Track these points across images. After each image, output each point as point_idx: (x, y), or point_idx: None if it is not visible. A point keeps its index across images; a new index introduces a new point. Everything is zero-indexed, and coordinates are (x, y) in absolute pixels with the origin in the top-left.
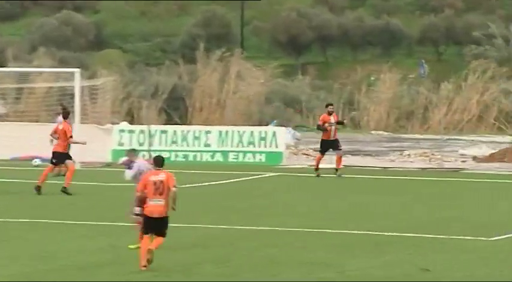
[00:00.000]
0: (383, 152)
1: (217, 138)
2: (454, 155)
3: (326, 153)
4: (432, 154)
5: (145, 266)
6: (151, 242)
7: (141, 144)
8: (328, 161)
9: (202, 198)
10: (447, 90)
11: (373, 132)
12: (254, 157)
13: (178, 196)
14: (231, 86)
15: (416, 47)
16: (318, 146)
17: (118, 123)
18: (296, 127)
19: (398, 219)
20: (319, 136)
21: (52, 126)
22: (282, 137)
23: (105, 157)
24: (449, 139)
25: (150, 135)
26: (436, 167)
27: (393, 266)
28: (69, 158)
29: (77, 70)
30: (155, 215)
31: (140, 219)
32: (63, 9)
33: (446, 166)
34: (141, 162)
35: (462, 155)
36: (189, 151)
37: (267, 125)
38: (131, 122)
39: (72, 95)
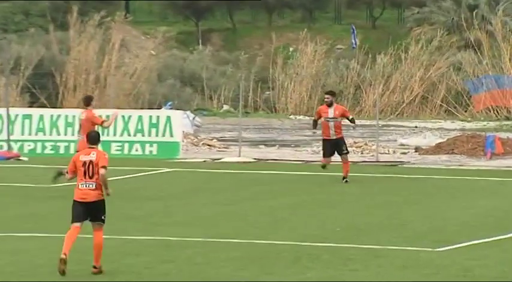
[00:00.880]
0: (304, 142)
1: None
2: (392, 146)
3: (332, 156)
4: (365, 144)
5: (97, 269)
6: (77, 233)
7: None
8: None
9: None
10: (384, 65)
11: (291, 117)
12: (143, 149)
13: (107, 179)
14: (113, 59)
15: (345, 10)
16: (223, 134)
17: None
18: (196, 111)
19: (325, 226)
20: (225, 121)
21: None
22: (178, 123)
23: None
24: (386, 125)
25: (10, 121)
26: (369, 160)
27: None
28: None
29: None
30: (86, 200)
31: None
32: None
33: (382, 159)
34: None
35: (402, 145)
36: (60, 141)
37: (159, 108)
38: None
39: None
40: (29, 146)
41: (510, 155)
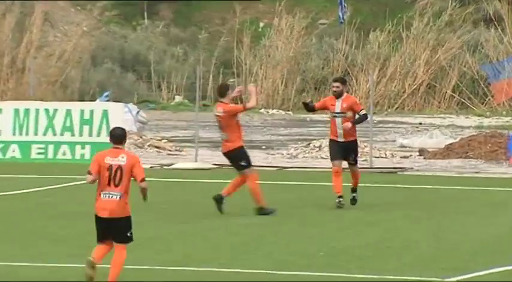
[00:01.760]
0: (278, 143)
1: (11, 122)
2: (390, 148)
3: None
4: None
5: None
6: (102, 254)
7: None
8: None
9: None
10: (379, 45)
11: (263, 111)
12: (73, 152)
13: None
14: (34, 37)
15: None
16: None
17: None
18: (141, 103)
19: (307, 250)
20: (178, 117)
21: None
22: (117, 119)
23: None
24: (382, 122)
25: None
26: (361, 166)
27: None
28: None
29: None
30: (108, 216)
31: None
32: None
33: (378, 165)
34: None
35: (403, 147)
36: None
37: (93, 100)
38: None
39: None
40: None
41: None
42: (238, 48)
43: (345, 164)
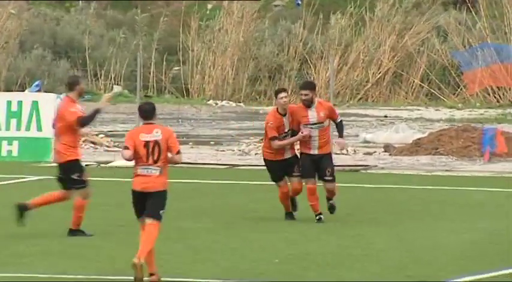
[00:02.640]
0: (229, 139)
1: None
2: (352, 143)
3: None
4: None
5: (139, 261)
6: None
7: None
8: None
9: None
10: (340, 29)
11: (211, 102)
12: None
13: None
14: None
15: None
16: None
17: None
18: None
19: (260, 257)
20: (117, 109)
21: None
22: (49, 111)
23: None
24: (343, 115)
25: None
26: None
27: None
28: None
29: None
30: (147, 190)
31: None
32: None
33: (339, 162)
34: None
35: (366, 142)
36: None
37: (22, 90)
38: None
39: None
40: None
41: None
42: (184, 33)
43: None
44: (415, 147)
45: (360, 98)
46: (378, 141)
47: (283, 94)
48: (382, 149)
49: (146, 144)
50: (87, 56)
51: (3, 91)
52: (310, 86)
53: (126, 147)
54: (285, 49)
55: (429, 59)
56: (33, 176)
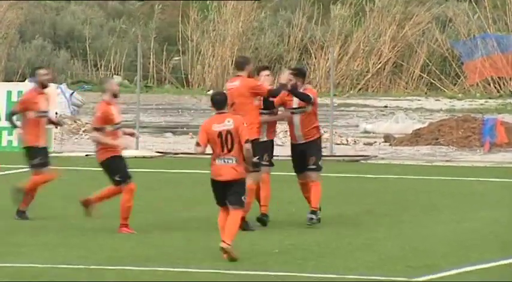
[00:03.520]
0: None
1: None
2: (352, 133)
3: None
4: None
5: (228, 245)
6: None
7: None
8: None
9: None
10: (341, 19)
11: (210, 92)
12: (0, 138)
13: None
14: None
15: None
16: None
17: None
18: (76, 84)
19: (259, 247)
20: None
21: None
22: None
23: None
24: (343, 105)
25: None
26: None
27: None
28: None
29: None
30: (223, 179)
31: None
32: None
33: (339, 153)
34: None
35: (366, 132)
36: None
37: (22, 80)
38: None
39: None
40: None
41: None
42: (184, 23)
43: None
44: (415, 138)
45: (360, 88)
46: (378, 131)
47: (266, 72)
48: (382, 139)
49: (219, 134)
50: (87, 46)
51: (4, 81)
52: (295, 71)
53: (197, 144)
54: (285, 39)
55: (429, 49)
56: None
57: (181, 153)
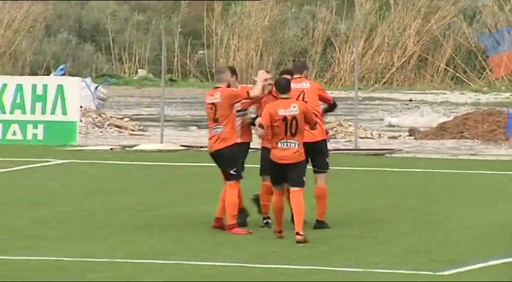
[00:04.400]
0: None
1: None
2: (377, 127)
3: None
4: (339, 125)
5: (280, 233)
6: (282, 200)
7: None
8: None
9: None
10: (365, 13)
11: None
12: (24, 132)
13: None
14: None
15: None
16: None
17: None
18: (101, 78)
19: (283, 241)
20: (142, 93)
21: None
22: (74, 95)
23: None
24: (368, 99)
25: None
26: (345, 147)
27: None
28: None
29: None
30: (285, 162)
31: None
32: None
33: (363, 146)
34: None
35: (391, 126)
36: None
37: (47, 74)
38: None
39: None
40: None
41: None
42: (208, 17)
43: None
44: (440, 131)
45: (385, 82)
46: (403, 125)
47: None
48: (407, 133)
49: (284, 118)
50: (111, 41)
51: (29, 75)
52: (294, 71)
53: (261, 125)
54: (310, 33)
55: (455, 42)
56: (58, 160)
57: (206, 147)
